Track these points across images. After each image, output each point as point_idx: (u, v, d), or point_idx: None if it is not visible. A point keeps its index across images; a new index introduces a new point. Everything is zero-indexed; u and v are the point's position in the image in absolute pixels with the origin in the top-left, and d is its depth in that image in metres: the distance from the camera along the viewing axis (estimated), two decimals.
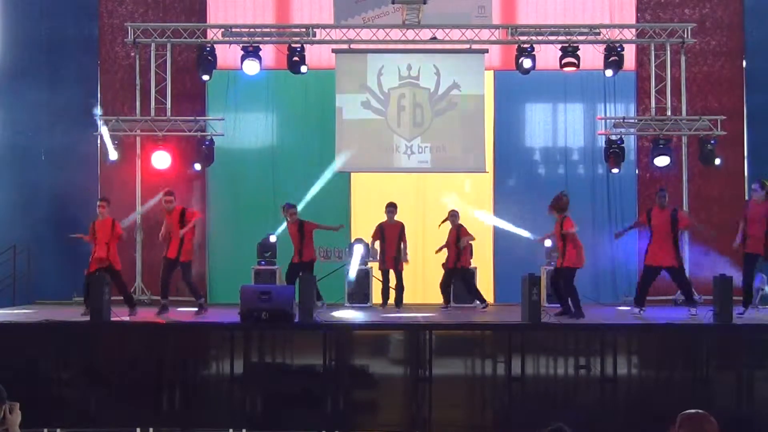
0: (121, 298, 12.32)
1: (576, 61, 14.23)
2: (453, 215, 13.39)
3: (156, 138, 14.53)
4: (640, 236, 14.89)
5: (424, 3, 13.71)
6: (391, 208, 13.40)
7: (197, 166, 14.66)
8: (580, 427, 9.80)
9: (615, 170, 14.58)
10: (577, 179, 15.53)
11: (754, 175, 15.24)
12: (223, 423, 10.28)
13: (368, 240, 13.88)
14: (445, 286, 13.41)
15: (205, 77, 14.59)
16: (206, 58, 14.35)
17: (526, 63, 14.26)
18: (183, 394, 10.37)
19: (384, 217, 13.59)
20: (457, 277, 13.40)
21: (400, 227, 13.35)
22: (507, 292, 13.74)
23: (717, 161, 14.40)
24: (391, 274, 13.45)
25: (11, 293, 14.26)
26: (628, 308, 12.81)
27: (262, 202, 15.21)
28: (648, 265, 12.02)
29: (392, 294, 13.51)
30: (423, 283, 14.72)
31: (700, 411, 4.05)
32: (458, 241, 13.16)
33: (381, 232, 13.40)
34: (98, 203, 12.48)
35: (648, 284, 12.14)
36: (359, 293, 13.80)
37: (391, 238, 13.12)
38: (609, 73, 14.45)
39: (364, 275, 13.96)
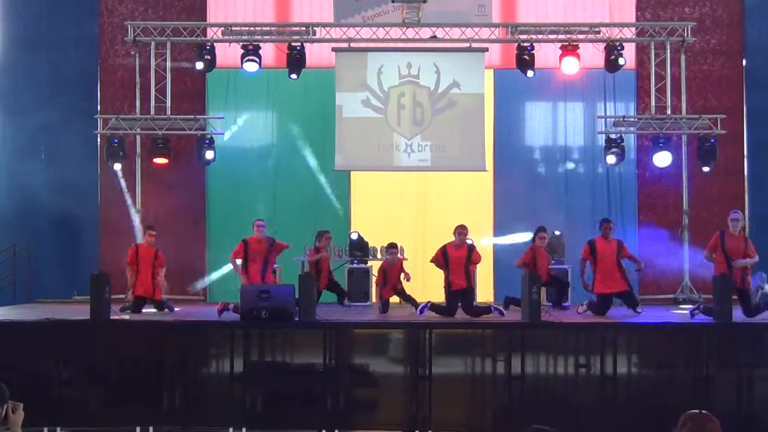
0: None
1: (576, 60, 14.23)
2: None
3: (155, 137, 14.54)
4: (639, 237, 14.91)
5: (424, 2, 13.69)
6: (393, 249, 12.79)
7: (209, 154, 14.49)
8: (581, 426, 9.85)
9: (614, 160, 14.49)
10: (577, 178, 15.55)
11: (754, 174, 15.29)
12: (223, 421, 10.27)
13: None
14: None
15: (200, 64, 14.33)
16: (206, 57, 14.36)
17: (530, 73, 14.34)
18: (183, 392, 10.35)
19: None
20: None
21: (401, 265, 12.81)
22: (507, 292, 13.72)
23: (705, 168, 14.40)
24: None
25: (11, 292, 14.28)
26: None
27: (262, 200, 15.23)
28: (600, 294, 11.82)
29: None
30: (423, 282, 14.70)
31: (703, 411, 4.06)
32: None
33: (383, 273, 12.74)
34: (148, 231, 12.55)
35: (605, 311, 11.75)
36: (359, 292, 13.78)
37: (392, 275, 12.66)
38: (622, 61, 14.24)
39: (364, 274, 13.96)
